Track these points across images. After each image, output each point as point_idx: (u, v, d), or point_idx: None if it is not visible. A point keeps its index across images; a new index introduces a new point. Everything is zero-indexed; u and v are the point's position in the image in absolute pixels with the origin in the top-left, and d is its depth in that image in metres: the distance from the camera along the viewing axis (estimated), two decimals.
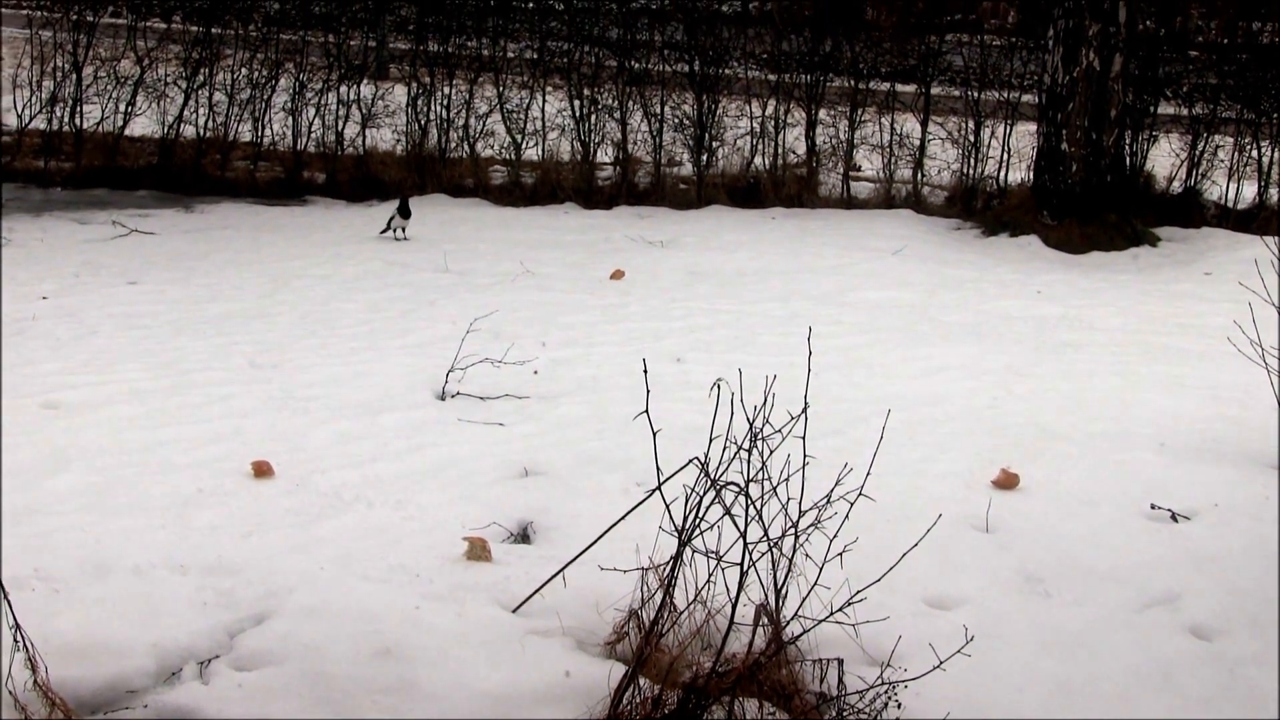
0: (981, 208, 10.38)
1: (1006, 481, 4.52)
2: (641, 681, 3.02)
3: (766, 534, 3.02)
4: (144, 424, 4.92)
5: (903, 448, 4.72)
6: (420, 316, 6.87)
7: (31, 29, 10.99)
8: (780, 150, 10.90)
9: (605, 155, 11.15)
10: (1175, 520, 4.26)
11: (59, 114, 10.95)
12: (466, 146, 11.09)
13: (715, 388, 2.97)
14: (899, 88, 10.95)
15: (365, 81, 11.31)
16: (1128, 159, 10.20)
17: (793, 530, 3.06)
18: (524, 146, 11.11)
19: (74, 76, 10.90)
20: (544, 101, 11.12)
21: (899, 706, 3.02)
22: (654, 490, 3.15)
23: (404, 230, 8.22)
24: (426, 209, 10.01)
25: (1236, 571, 3.87)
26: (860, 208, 10.56)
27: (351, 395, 5.37)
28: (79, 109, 10.92)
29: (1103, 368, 6.17)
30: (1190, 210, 10.04)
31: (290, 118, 11.07)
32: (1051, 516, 4.27)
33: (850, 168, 10.96)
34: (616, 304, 7.33)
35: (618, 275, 8.03)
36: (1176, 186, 10.33)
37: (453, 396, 5.37)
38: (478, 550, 3.80)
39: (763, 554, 3.04)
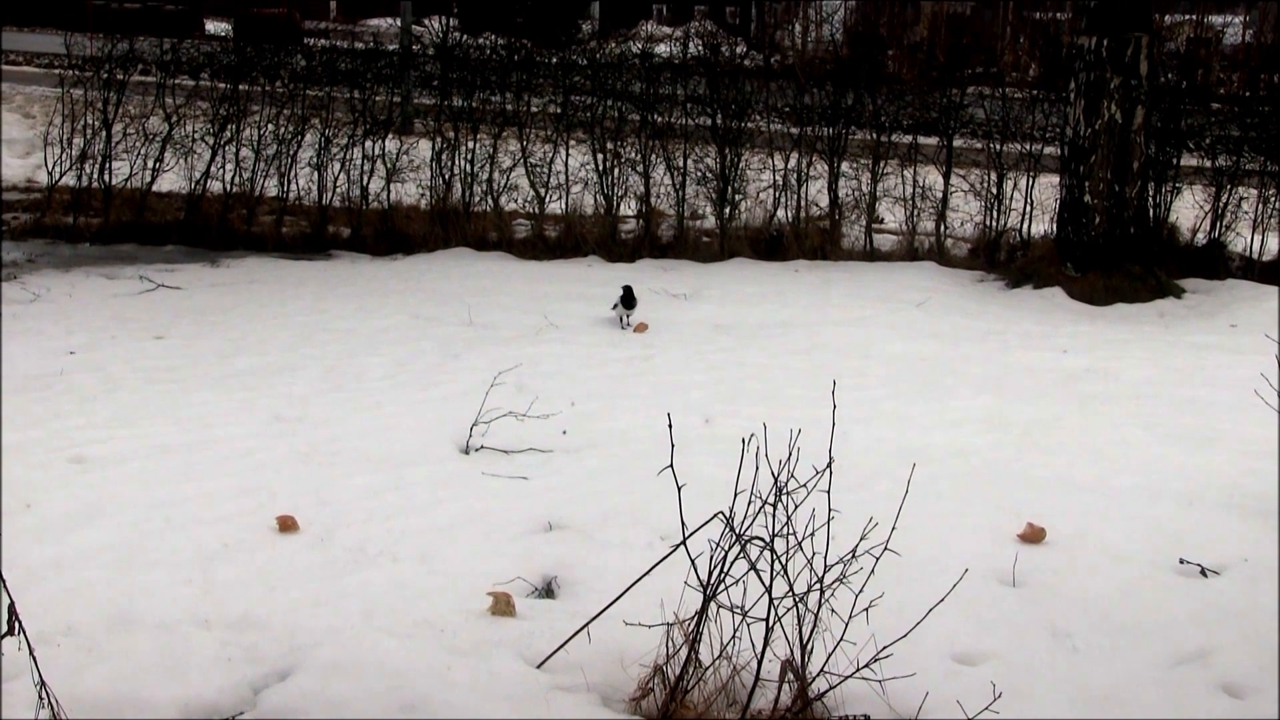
0: (1004, 260, 10.38)
1: (1033, 535, 4.50)
2: None
3: (792, 589, 3.02)
4: (169, 478, 4.95)
5: (928, 501, 4.71)
6: (444, 370, 6.91)
7: (63, 87, 11.17)
8: (803, 203, 10.95)
9: (628, 208, 11.23)
10: (1205, 575, 4.22)
11: (89, 170, 11.11)
12: (490, 200, 11.18)
13: (744, 444, 2.98)
14: (921, 140, 11.00)
15: (390, 137, 11.43)
16: (1151, 211, 10.20)
17: (818, 585, 3.05)
18: (547, 200, 11.19)
19: (104, 133, 11.08)
20: (567, 155, 11.21)
21: None
22: (679, 545, 3.16)
23: (629, 319, 8.14)
24: (450, 263, 10.09)
25: (1268, 627, 3.83)
26: (883, 260, 10.57)
27: (376, 449, 5.40)
28: (108, 165, 11.10)
29: (1128, 420, 6.15)
30: (1215, 262, 10.01)
31: (316, 173, 11.19)
32: (1079, 571, 4.25)
33: (873, 220, 11.00)
34: (640, 357, 7.37)
35: (641, 328, 8.06)
36: (1200, 238, 10.31)
37: (477, 450, 5.40)
38: (502, 605, 3.80)
39: (788, 609, 3.04)
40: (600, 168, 11.01)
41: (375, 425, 5.77)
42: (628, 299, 8.13)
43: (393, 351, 7.32)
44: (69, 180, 11.10)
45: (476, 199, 11.16)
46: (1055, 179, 10.20)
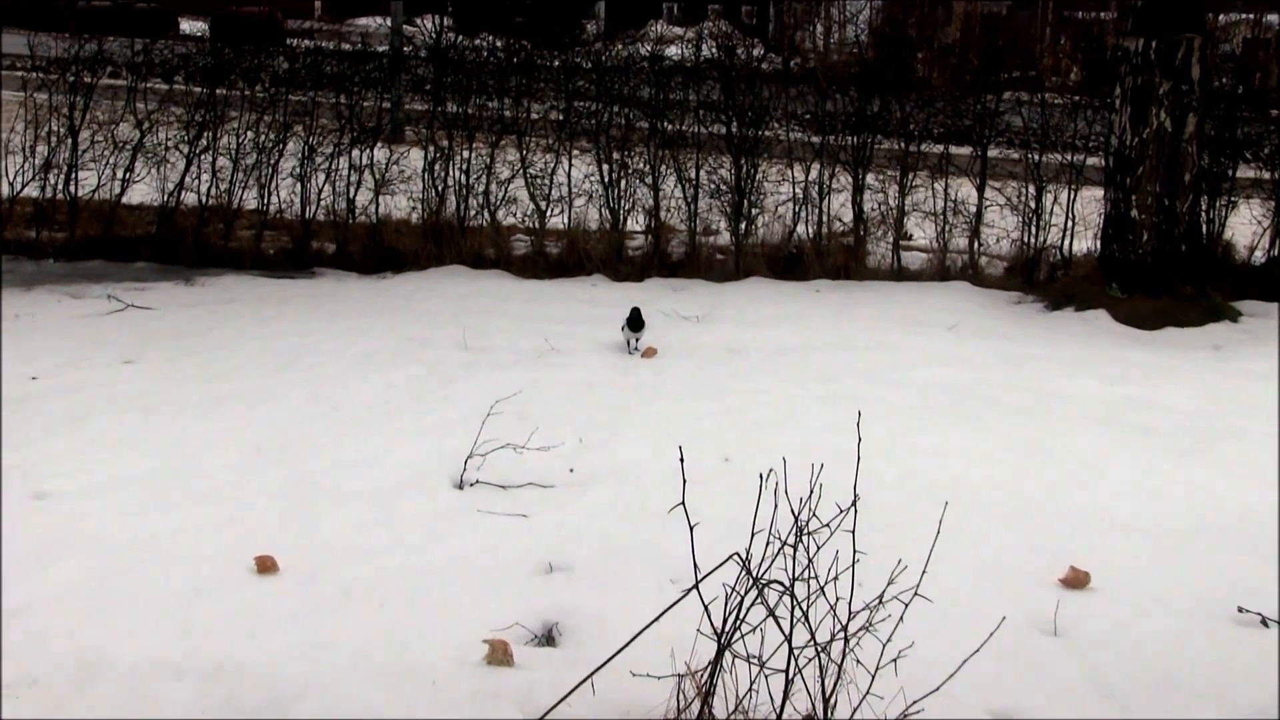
0: (1044, 280, 10.41)
1: (1075, 580, 4.50)
2: None
3: (814, 637, 3.02)
4: (140, 514, 4.97)
5: (961, 542, 4.72)
6: (437, 397, 6.94)
7: (26, 91, 11.23)
8: (825, 217, 10.99)
9: (636, 223, 11.27)
10: (1265, 625, 4.21)
11: (53, 181, 11.14)
12: (487, 214, 11.23)
13: (762, 480, 2.99)
14: (953, 150, 11.04)
15: (379, 145, 11.49)
16: (1204, 227, 10.22)
17: (842, 633, 3.06)
18: (549, 214, 11.24)
19: (70, 141, 11.12)
20: (570, 166, 11.27)
21: None
22: (691, 589, 3.17)
23: (637, 342, 8.16)
24: (444, 281, 10.13)
25: None
26: (912, 279, 10.60)
27: (363, 483, 5.42)
28: (74, 175, 11.14)
29: (1178, 454, 6.15)
30: (1274, 282, 10.00)
31: (298, 184, 11.26)
32: (1125, 619, 4.25)
33: (901, 236, 11.04)
34: (649, 383, 7.39)
35: (650, 352, 8.09)
36: (1259, 256, 10.33)
37: (472, 485, 5.42)
38: (499, 654, 3.81)
39: (809, 660, 3.04)
40: (605, 179, 11.07)
41: (362, 457, 5.79)
42: (635, 321, 8.15)
43: (381, 377, 7.35)
44: (31, 191, 11.13)
45: (472, 213, 11.21)
46: (1099, 192, 10.23)
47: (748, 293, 10.01)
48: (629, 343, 8.22)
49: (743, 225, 10.98)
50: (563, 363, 7.82)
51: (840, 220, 11.05)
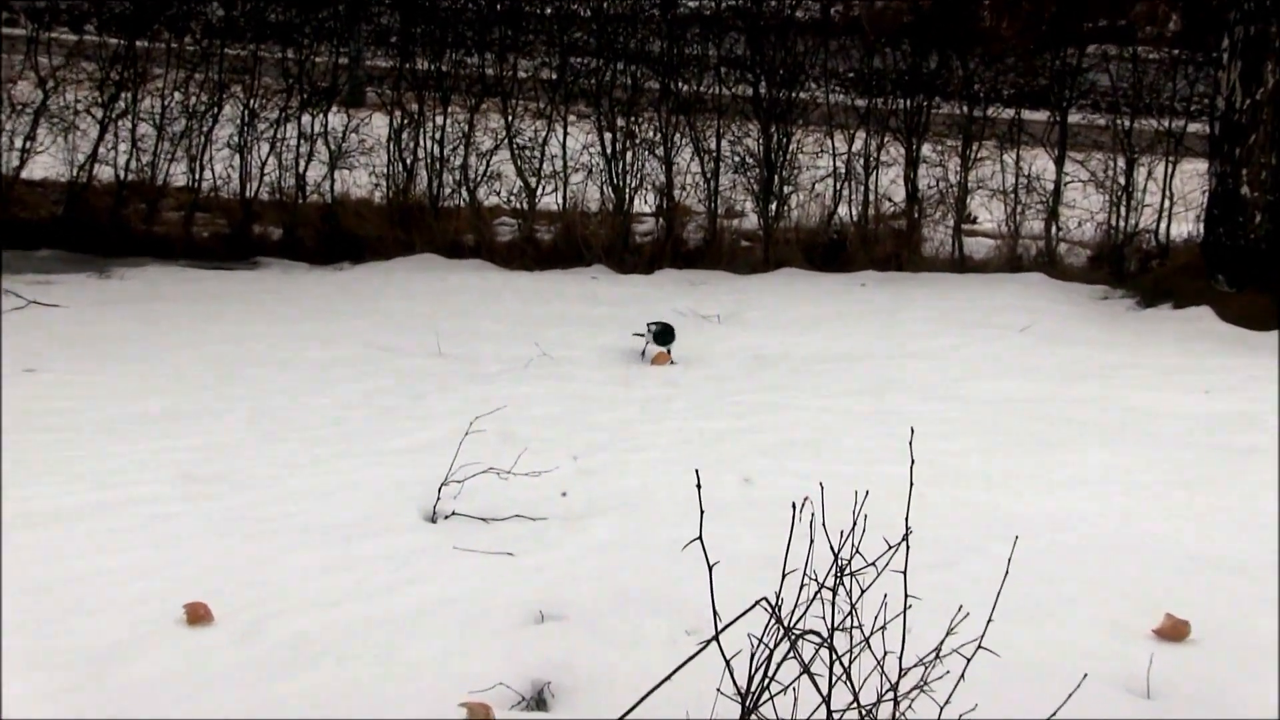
0: (1135, 271, 10.43)
1: (1172, 631, 4.51)
2: None
3: (857, 699, 3.05)
4: (48, 556, 4.97)
5: (1033, 585, 4.74)
6: (407, 414, 6.99)
7: None
8: (871, 197, 11.03)
9: (645, 204, 11.30)
10: None
11: None
12: (465, 193, 11.27)
13: (794, 510, 3.03)
14: (1026, 115, 11.07)
15: (334, 109, 11.51)
16: None
17: (891, 694, 3.09)
18: (540, 193, 11.27)
19: None
20: (565, 135, 11.29)
21: None
22: (710, 640, 3.20)
23: (647, 347, 8.20)
24: (414, 274, 10.18)
25: None
26: (976, 271, 10.63)
27: (318, 517, 5.45)
28: None
29: None
30: None
31: (237, 156, 11.29)
32: (1232, 678, 4.26)
33: (963, 219, 11.07)
34: (660, 397, 7.44)
35: (662, 359, 8.13)
36: None
37: (448, 518, 5.45)
38: (480, 718, 3.83)
39: None
40: (608, 151, 11.10)
41: (317, 486, 5.82)
42: (663, 336, 8.14)
43: (339, 391, 7.39)
44: None
45: (447, 191, 11.25)
46: (1202, 166, 10.23)
47: (778, 288, 10.04)
48: (645, 352, 8.27)
49: (773, 206, 11.02)
50: (557, 373, 7.87)
51: (890, 200, 11.08)
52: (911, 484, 3.33)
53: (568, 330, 8.75)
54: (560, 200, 11.26)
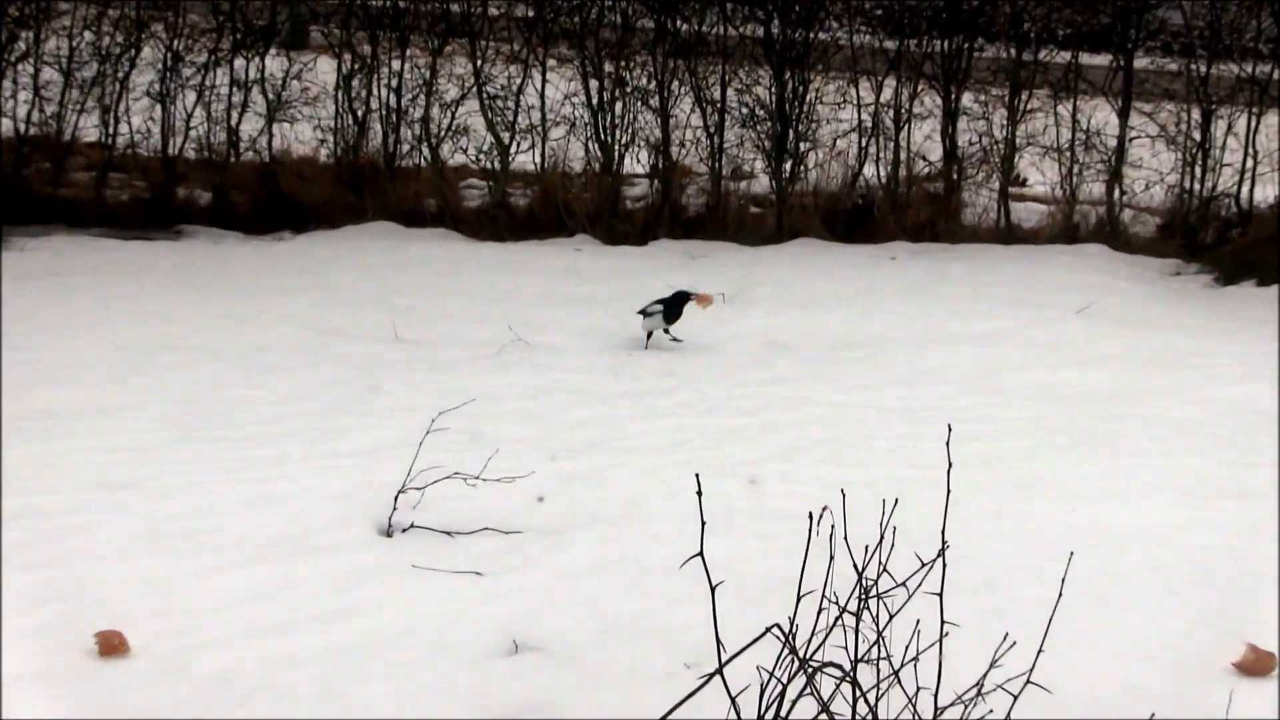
0: (1212, 242, 10.42)
1: (1256, 665, 4.50)
2: None
3: None
4: None
5: (1091, 610, 4.73)
6: (358, 410, 6.97)
7: None
8: (903, 155, 11.01)
9: (637, 163, 11.29)
10: None
11: None
12: (426, 151, 11.24)
13: (812, 522, 3.01)
14: (1084, 59, 11.04)
15: (273, 52, 11.46)
16: None
17: None
18: (514, 151, 11.24)
19: None
20: (544, 82, 11.26)
21: None
22: (713, 674, 3.19)
23: (670, 336, 8.16)
24: (367, 245, 10.15)
25: None
26: (1025, 241, 10.62)
27: (252, 530, 5.42)
28: None
29: None
30: None
31: (158, 107, 11.24)
32: None
33: (1010, 181, 11.06)
34: (655, 389, 7.43)
35: (706, 300, 8.15)
36: None
37: (405, 531, 5.43)
38: None
39: None
40: (594, 102, 11.08)
41: (251, 495, 5.80)
42: (673, 308, 8.14)
43: (278, 383, 7.37)
44: None
45: (406, 148, 11.23)
46: None
47: (794, 261, 10.03)
48: (650, 334, 8.25)
49: (787, 166, 11.01)
50: (534, 360, 7.85)
51: (925, 159, 11.08)
52: (949, 491, 3.32)
53: (547, 311, 8.73)
54: (538, 159, 11.23)
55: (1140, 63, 10.95)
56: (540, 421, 6.82)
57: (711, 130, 11.12)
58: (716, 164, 11.14)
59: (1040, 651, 3.15)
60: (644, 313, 8.26)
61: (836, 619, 3.05)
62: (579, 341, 8.25)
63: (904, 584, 3.08)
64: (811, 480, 5.90)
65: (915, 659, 3.09)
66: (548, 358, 7.91)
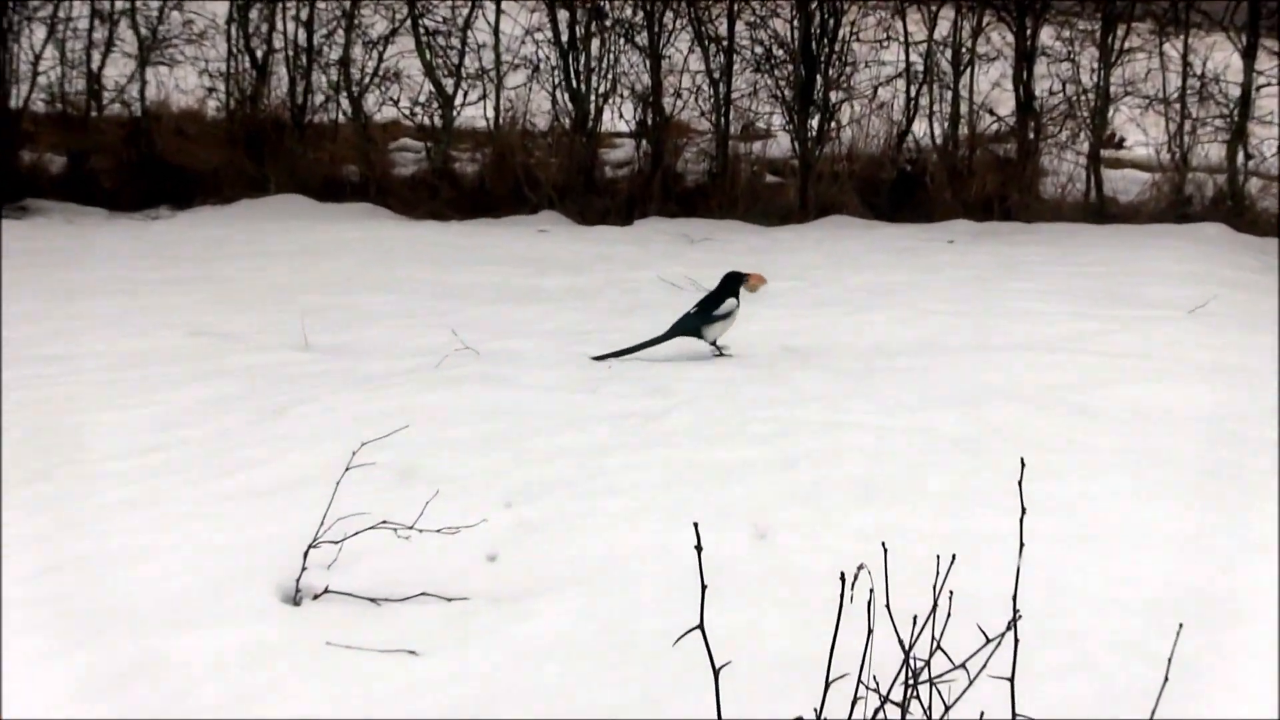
0: None
1: None
2: None
3: None
4: None
5: (1207, 698, 4.73)
6: (257, 439, 6.96)
7: None
8: (964, 109, 11.03)
9: (619, 119, 11.31)
10: None
11: None
12: (346, 102, 11.26)
13: (843, 585, 3.01)
14: None
15: None
16: None
17: None
18: (460, 102, 11.26)
19: None
20: (498, 13, 11.28)
21: None
22: None
23: (719, 335, 8.22)
24: (268, 225, 10.17)
25: None
26: (1121, 220, 10.64)
27: (111, 596, 5.41)
28: None
29: None
30: None
31: None
32: None
33: (1103, 142, 11.08)
34: (643, 411, 7.41)
35: (757, 283, 8.18)
36: None
37: (318, 597, 5.42)
38: None
39: None
40: (564, 38, 11.09)
41: (111, 552, 5.79)
42: (722, 294, 8.22)
43: (152, 404, 7.36)
44: None
45: (319, 100, 11.25)
46: None
47: (823, 245, 10.04)
48: (716, 338, 8.37)
49: (814, 122, 11.03)
50: (487, 374, 7.86)
51: (992, 113, 11.12)
52: (1021, 545, 3.31)
53: (503, 310, 8.74)
54: (491, 114, 11.24)
55: None
56: (494, 454, 6.81)
57: (716, 76, 11.15)
58: (722, 120, 11.16)
59: None
60: (709, 315, 8.28)
61: (877, 711, 3.05)
62: (545, 349, 8.25)
63: (964, 665, 3.08)
64: (844, 530, 5.88)
65: None
66: (504, 370, 7.91)
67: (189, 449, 6.86)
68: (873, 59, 11.22)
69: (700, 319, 8.26)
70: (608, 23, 11.09)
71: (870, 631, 3.04)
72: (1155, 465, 6.87)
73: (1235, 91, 10.75)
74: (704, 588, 3.24)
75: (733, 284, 8.27)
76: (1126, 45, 10.91)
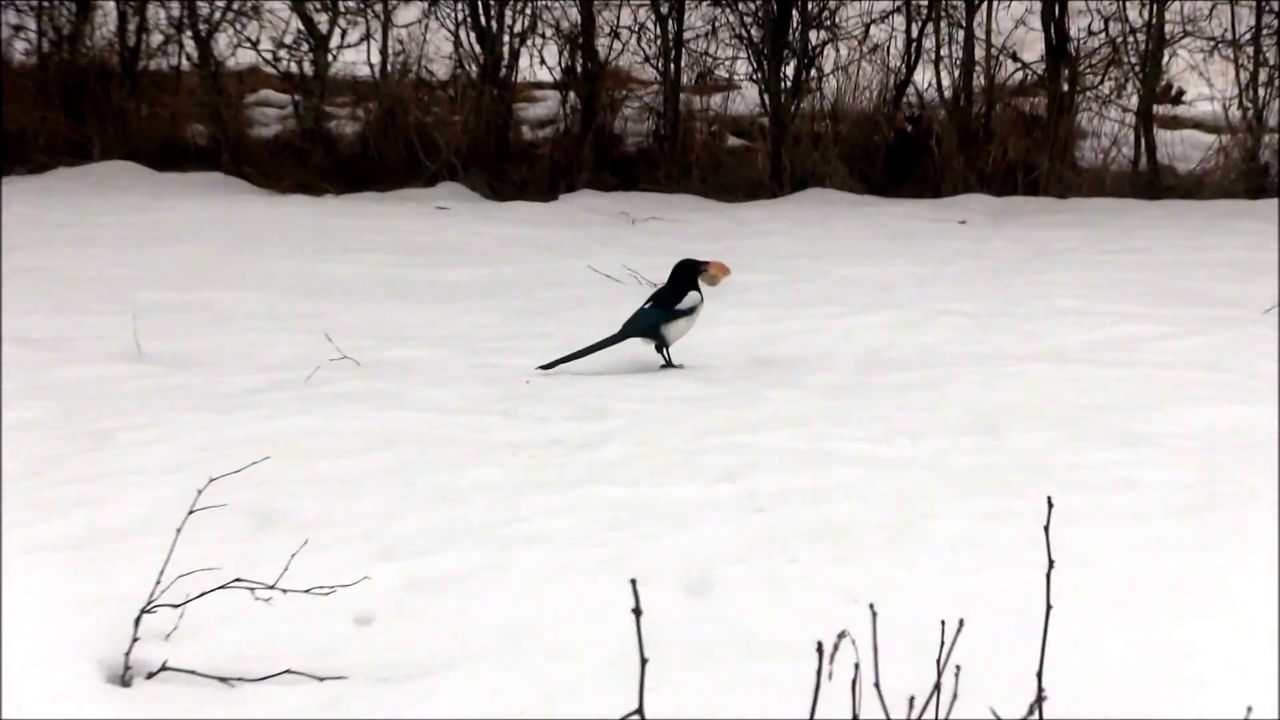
0: None
1: None
2: None
3: None
4: None
5: None
6: (77, 472, 6.95)
7: None
8: (980, 54, 11.08)
9: (541, 65, 11.34)
10: None
11: None
12: (190, 44, 11.25)
13: (820, 658, 3.02)
14: None
15: None
16: None
17: None
18: (336, 45, 11.27)
19: None
20: None
21: None
22: None
23: (668, 345, 8.24)
24: (93, 200, 10.18)
25: None
26: (1180, 194, 10.70)
27: None
28: None
29: None
30: None
31: None
32: None
33: (1154, 95, 11.13)
34: (574, 438, 7.41)
35: (720, 271, 8.19)
36: None
37: (153, 675, 5.42)
38: None
39: None
40: None
41: None
42: (674, 293, 8.24)
43: None
44: None
45: (157, 42, 11.23)
46: None
47: (802, 227, 10.08)
48: (666, 351, 8.45)
49: (789, 70, 11.06)
50: (370, 390, 7.86)
51: (1015, 59, 11.15)
52: (1049, 608, 3.33)
53: (391, 310, 8.75)
54: (376, 59, 11.26)
55: None
56: (378, 494, 6.79)
57: (664, 10, 11.17)
58: (672, 67, 11.17)
59: None
60: (669, 310, 8.31)
61: None
62: (444, 361, 8.26)
63: None
64: (822, 589, 5.87)
65: None
66: (392, 386, 7.91)
67: None
68: None
69: (658, 315, 8.27)
70: None
71: (855, 717, 3.05)
72: (1219, 505, 6.88)
73: None
74: (644, 661, 3.25)
75: (687, 276, 8.30)
76: None
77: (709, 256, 8.71)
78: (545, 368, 8.23)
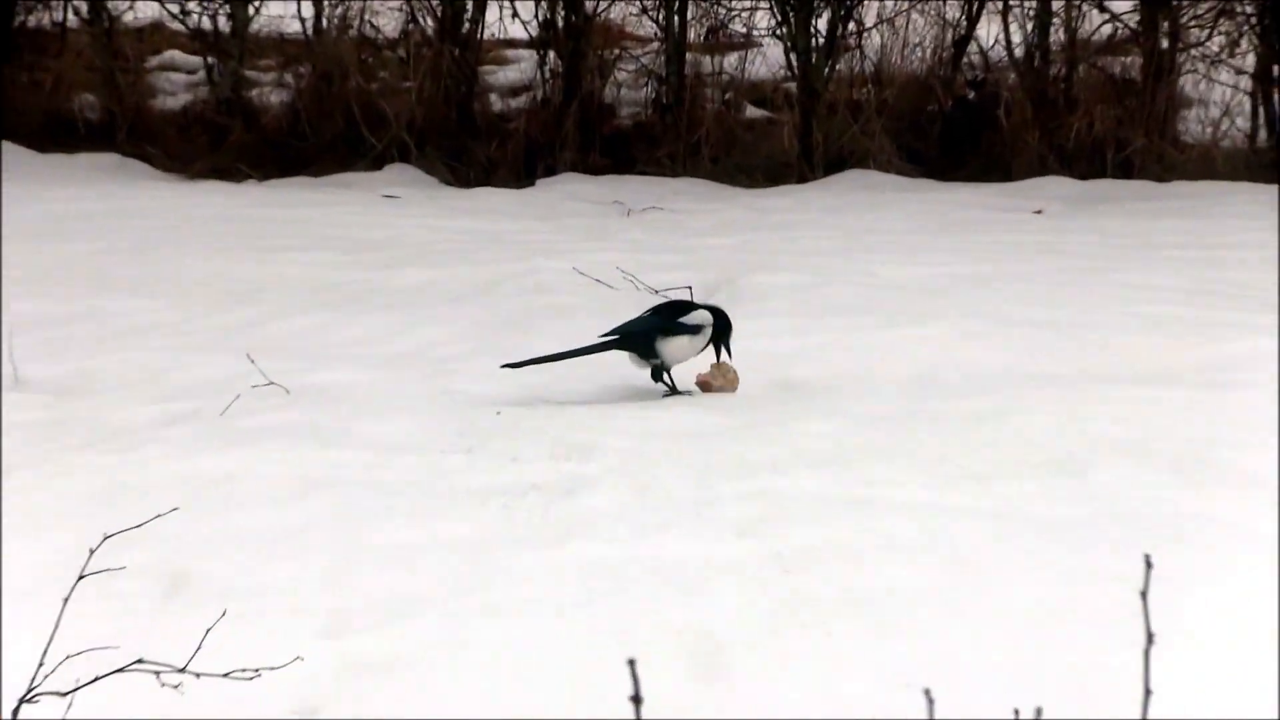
0: None
1: None
2: None
3: None
4: None
5: None
6: None
7: None
8: (1059, 4, 11.10)
9: (512, 18, 11.38)
10: None
11: None
12: (85, 4, 11.30)
13: None
14: None
15: None
16: None
17: None
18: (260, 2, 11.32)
19: None
20: None
21: None
22: None
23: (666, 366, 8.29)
24: None
25: None
26: None
27: None
28: None
29: None
30: None
31: None
32: None
33: (1278, 54, 11.15)
34: (551, 484, 7.40)
35: (713, 382, 8.22)
36: None
37: None
38: None
39: None
40: None
41: None
42: (671, 322, 8.29)
43: None
44: None
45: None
46: None
47: (837, 218, 10.12)
48: (667, 373, 8.52)
49: (820, 24, 11.09)
50: (302, 423, 7.87)
51: (1103, 8, 11.19)
52: (1148, 692, 3.34)
53: (328, 322, 8.77)
54: (310, 12, 11.30)
55: None
56: (311, 553, 6.78)
57: None
58: (676, 20, 11.21)
59: None
60: (671, 323, 8.33)
61: None
62: (392, 385, 8.27)
63: None
64: (866, 671, 5.88)
65: None
66: (328, 418, 7.92)
67: None
68: None
69: (655, 324, 8.28)
70: None
71: None
72: None
73: None
74: None
75: (710, 315, 8.29)
76: None
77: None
78: (513, 366, 8.24)
